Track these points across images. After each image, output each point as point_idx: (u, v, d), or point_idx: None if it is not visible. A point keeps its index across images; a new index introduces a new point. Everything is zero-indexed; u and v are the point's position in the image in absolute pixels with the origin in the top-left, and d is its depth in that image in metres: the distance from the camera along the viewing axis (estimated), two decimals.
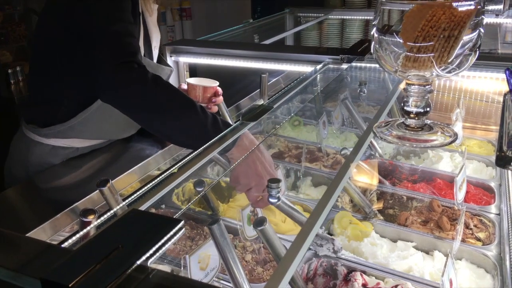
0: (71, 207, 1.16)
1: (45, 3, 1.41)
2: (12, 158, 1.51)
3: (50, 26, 1.37)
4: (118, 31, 1.22)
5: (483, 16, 0.65)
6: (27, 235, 1.01)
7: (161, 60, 1.64)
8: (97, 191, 1.11)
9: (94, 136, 1.46)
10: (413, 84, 0.72)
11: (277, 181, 0.82)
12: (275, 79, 2.38)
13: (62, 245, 0.53)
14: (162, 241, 0.48)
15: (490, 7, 2.02)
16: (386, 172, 1.62)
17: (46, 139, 1.41)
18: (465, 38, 0.64)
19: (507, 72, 0.87)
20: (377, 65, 1.52)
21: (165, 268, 1.11)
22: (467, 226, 1.30)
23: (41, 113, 1.43)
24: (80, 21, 1.25)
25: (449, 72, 0.66)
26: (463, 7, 0.64)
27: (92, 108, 1.36)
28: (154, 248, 0.46)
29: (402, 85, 1.23)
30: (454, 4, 0.64)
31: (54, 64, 1.39)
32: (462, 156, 1.62)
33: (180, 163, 0.80)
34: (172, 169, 0.79)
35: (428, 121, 0.79)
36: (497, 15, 2.15)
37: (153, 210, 1.30)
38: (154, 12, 1.50)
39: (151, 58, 1.54)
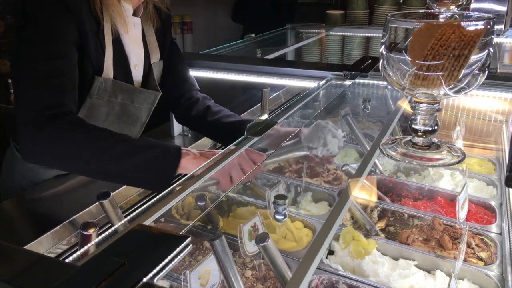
0: (69, 219, 1.14)
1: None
2: (3, 173, 1.45)
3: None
4: (39, 77, 1.12)
5: (492, 36, 0.65)
6: (24, 247, 0.99)
7: (149, 81, 1.44)
8: (96, 203, 1.09)
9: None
10: (421, 102, 0.71)
11: (284, 197, 0.81)
12: (275, 94, 2.39)
13: (65, 260, 0.52)
14: (169, 258, 0.46)
15: None
16: (387, 189, 1.62)
17: None
18: (475, 57, 0.64)
19: None
20: (379, 82, 1.53)
21: (164, 283, 1.09)
22: (468, 245, 1.29)
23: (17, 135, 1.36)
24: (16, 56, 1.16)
25: (458, 91, 0.66)
26: (472, 27, 0.64)
27: None
28: (160, 265, 0.45)
29: (402, 103, 1.23)
30: (463, 23, 0.64)
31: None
32: (463, 175, 1.62)
33: (184, 178, 0.79)
34: (176, 183, 0.78)
35: (436, 140, 0.78)
36: (497, 35, 2.17)
37: (152, 224, 1.28)
38: (132, 27, 1.32)
39: (127, 79, 1.37)
